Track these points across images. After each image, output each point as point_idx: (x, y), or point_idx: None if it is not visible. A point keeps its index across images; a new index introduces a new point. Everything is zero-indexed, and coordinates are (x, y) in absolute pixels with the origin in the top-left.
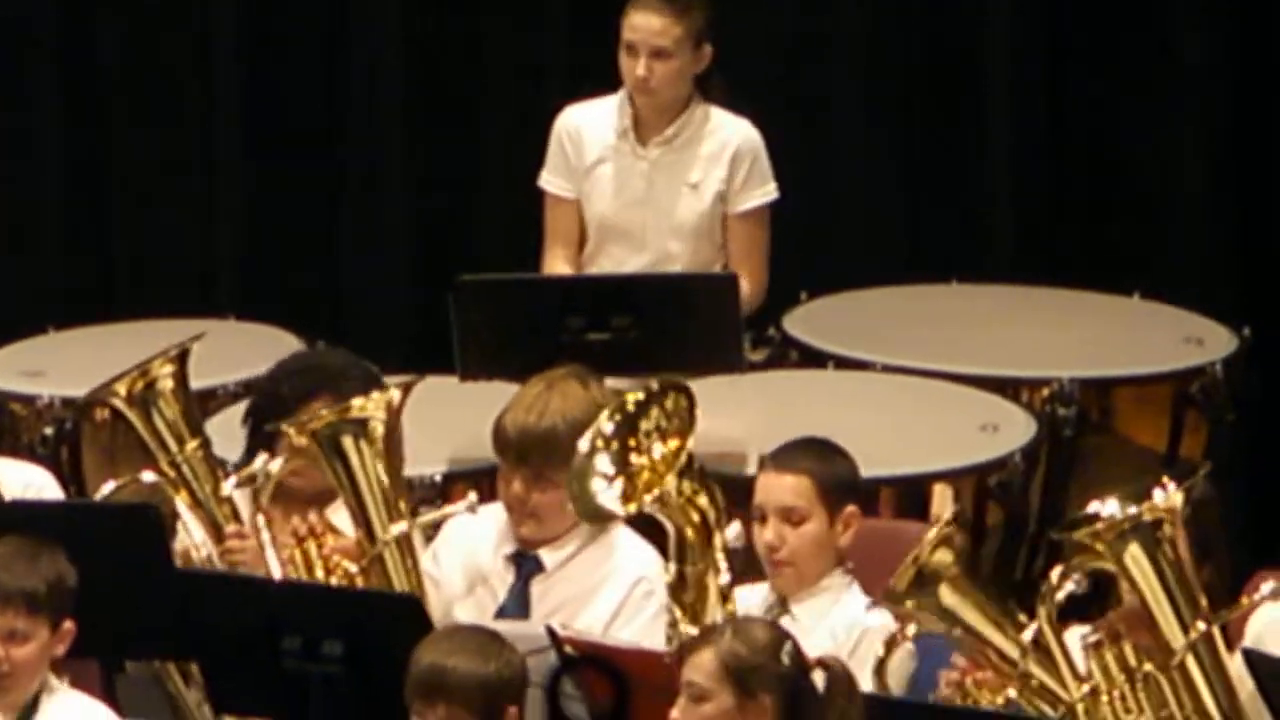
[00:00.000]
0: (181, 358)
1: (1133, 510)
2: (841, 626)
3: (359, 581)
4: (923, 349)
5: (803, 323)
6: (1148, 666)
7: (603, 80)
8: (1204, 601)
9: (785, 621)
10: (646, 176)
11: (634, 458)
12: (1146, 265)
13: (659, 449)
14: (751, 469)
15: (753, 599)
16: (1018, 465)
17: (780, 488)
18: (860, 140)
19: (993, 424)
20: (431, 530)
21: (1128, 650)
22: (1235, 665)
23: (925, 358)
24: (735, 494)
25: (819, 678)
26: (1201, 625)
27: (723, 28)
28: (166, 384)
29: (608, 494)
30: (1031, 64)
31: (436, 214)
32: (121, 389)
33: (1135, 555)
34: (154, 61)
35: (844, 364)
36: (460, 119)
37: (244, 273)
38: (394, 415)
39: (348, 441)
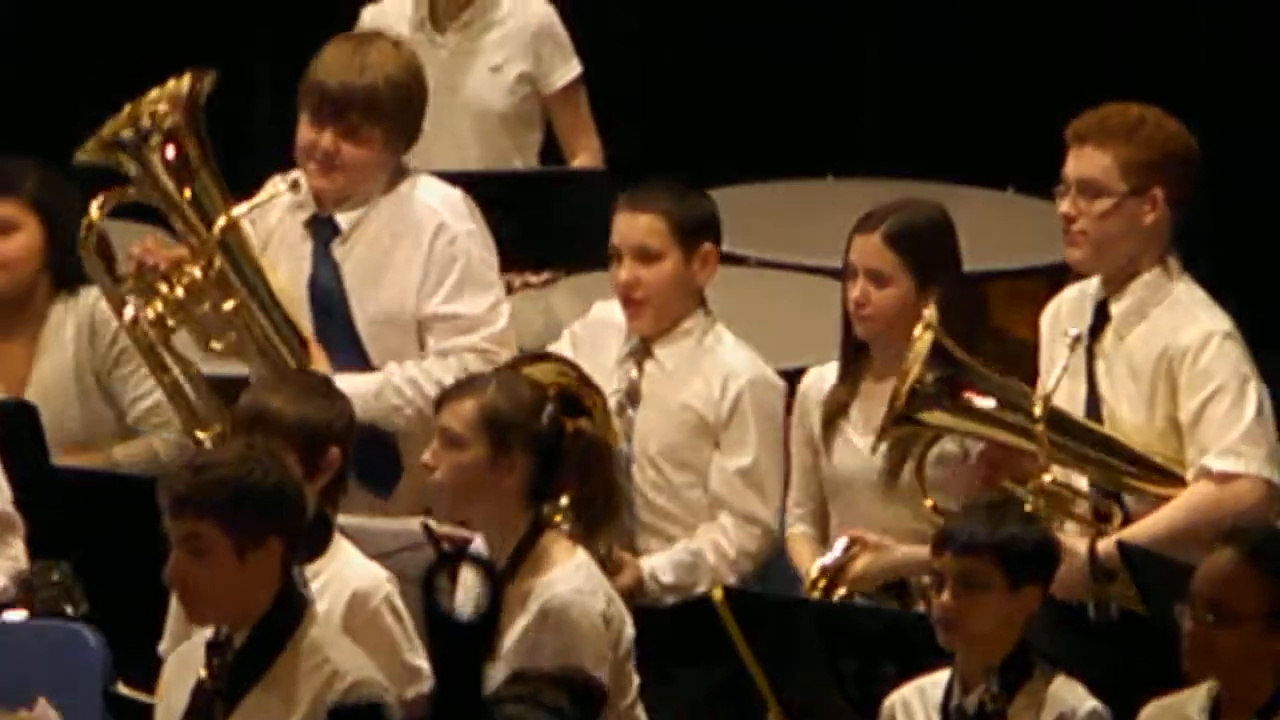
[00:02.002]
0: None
1: None
2: (715, 375)
3: (197, 275)
4: (797, 244)
5: None
6: None
7: None
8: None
9: (649, 365)
10: (445, 65)
11: None
12: (1019, 159)
13: None
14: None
15: (615, 318)
16: None
17: (634, 227)
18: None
19: None
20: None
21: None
22: None
23: (799, 253)
24: None
25: (573, 441)
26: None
27: None
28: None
29: None
30: None
31: None
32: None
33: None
34: None
35: (721, 259)
36: None
37: None
38: (189, 109)
39: (143, 152)
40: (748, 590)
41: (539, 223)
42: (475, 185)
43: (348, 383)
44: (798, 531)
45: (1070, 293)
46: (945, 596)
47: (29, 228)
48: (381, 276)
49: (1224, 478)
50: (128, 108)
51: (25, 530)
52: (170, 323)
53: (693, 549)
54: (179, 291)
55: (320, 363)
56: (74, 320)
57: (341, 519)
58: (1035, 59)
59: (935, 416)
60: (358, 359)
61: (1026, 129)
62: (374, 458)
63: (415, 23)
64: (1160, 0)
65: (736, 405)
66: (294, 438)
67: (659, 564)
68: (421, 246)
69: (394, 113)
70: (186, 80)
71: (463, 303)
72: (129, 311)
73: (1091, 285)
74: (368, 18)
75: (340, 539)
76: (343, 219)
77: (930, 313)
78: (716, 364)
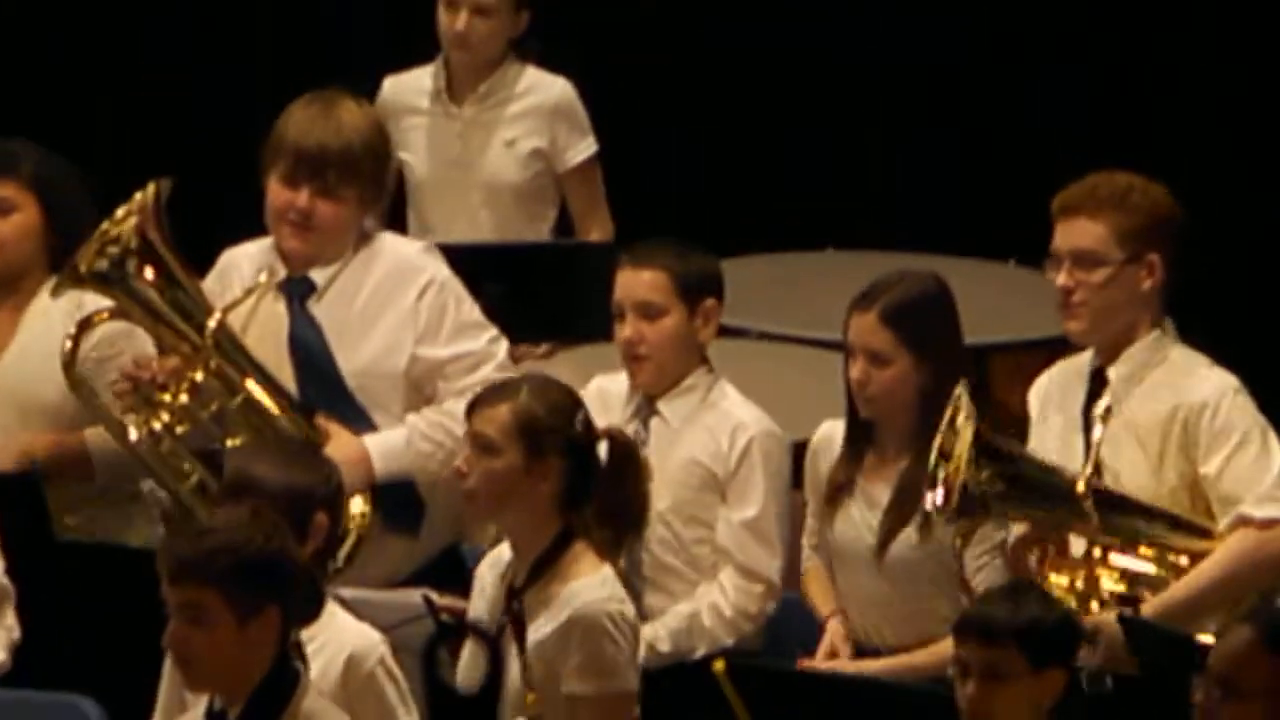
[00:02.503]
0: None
1: None
2: (722, 429)
3: (199, 379)
4: (799, 316)
5: None
6: None
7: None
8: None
9: (654, 422)
10: (461, 136)
11: None
12: (1022, 233)
13: None
14: None
15: (613, 388)
16: None
17: (637, 283)
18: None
19: None
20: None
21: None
22: None
23: (802, 325)
24: None
25: (602, 449)
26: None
27: None
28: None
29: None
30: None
31: None
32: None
33: None
34: None
35: (721, 331)
36: None
37: None
38: (156, 219)
39: (118, 271)
40: (750, 662)
41: (544, 294)
42: (480, 256)
43: (375, 442)
44: (812, 565)
45: (1057, 368)
46: (970, 688)
47: (27, 209)
48: (368, 330)
49: (1267, 524)
50: (95, 235)
51: (28, 599)
52: (178, 430)
53: (689, 613)
54: (183, 398)
55: (336, 431)
56: (63, 307)
57: (344, 592)
58: (1038, 133)
59: (987, 511)
60: (351, 413)
61: (1029, 202)
62: (394, 501)
63: (432, 94)
64: (1156, 75)
65: (744, 457)
66: (280, 504)
67: (658, 634)
68: (409, 298)
69: (369, 172)
70: (149, 192)
71: (466, 342)
72: (132, 434)
73: (1082, 359)
74: (389, 88)
75: (332, 603)
76: (317, 276)
77: (964, 399)
78: (723, 418)
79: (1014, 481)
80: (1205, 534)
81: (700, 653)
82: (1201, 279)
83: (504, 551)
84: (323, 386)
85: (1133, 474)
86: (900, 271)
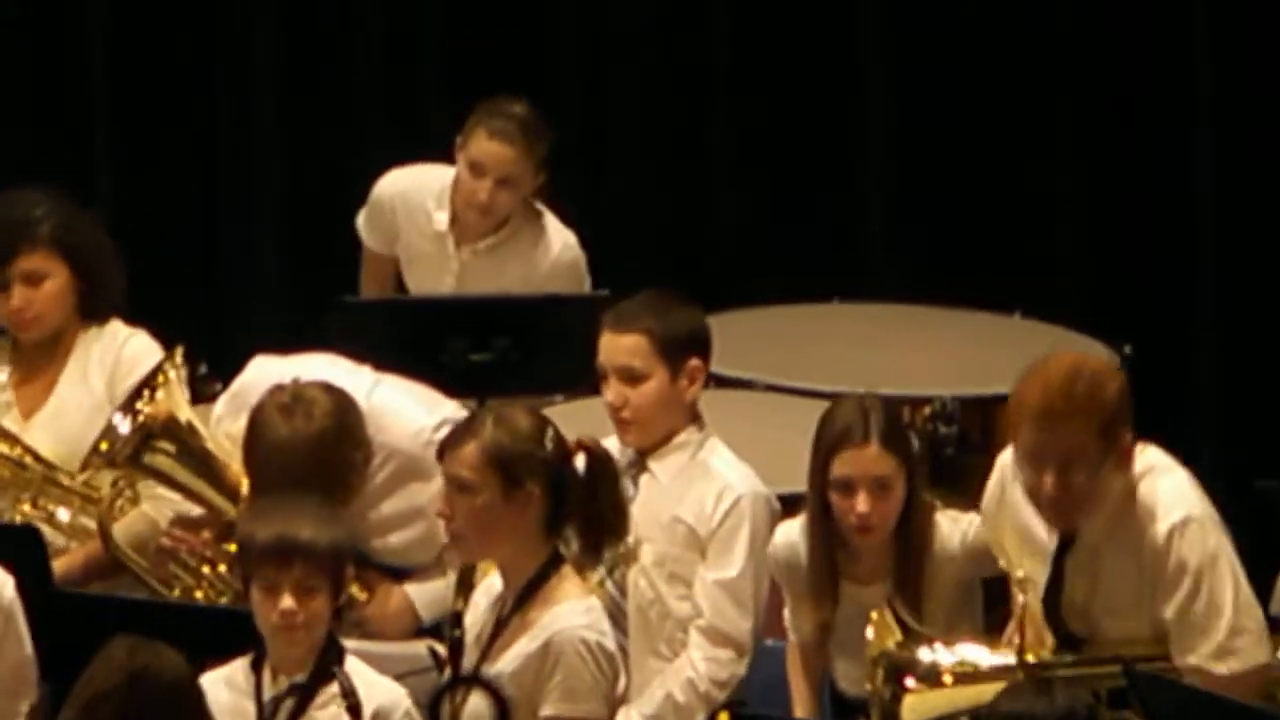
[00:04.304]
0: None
1: None
2: (709, 490)
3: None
4: (804, 368)
5: None
6: None
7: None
8: None
9: (644, 479)
10: (456, 277)
11: None
12: (1027, 284)
13: None
14: None
15: (609, 443)
16: None
17: (617, 348)
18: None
19: None
20: None
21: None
22: None
23: (807, 377)
24: None
25: (580, 461)
26: None
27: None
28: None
29: None
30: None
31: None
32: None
33: None
34: None
35: (725, 383)
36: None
37: None
38: (172, 394)
39: (147, 459)
40: (753, 712)
41: (538, 347)
42: (471, 309)
43: (418, 593)
44: (794, 640)
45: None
46: None
47: (56, 273)
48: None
49: (1228, 680)
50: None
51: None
52: (221, 602)
53: (663, 695)
54: (222, 568)
55: (384, 587)
56: (99, 351)
57: (349, 644)
58: (1045, 186)
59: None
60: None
61: (1035, 254)
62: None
63: (435, 222)
64: (1162, 134)
65: (727, 518)
66: (327, 562)
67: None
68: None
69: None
70: (169, 371)
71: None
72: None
73: None
74: (393, 189)
75: (354, 658)
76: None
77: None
78: (711, 478)
79: (940, 676)
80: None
81: None
82: None
83: (498, 580)
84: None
85: (1121, 622)
86: (853, 398)
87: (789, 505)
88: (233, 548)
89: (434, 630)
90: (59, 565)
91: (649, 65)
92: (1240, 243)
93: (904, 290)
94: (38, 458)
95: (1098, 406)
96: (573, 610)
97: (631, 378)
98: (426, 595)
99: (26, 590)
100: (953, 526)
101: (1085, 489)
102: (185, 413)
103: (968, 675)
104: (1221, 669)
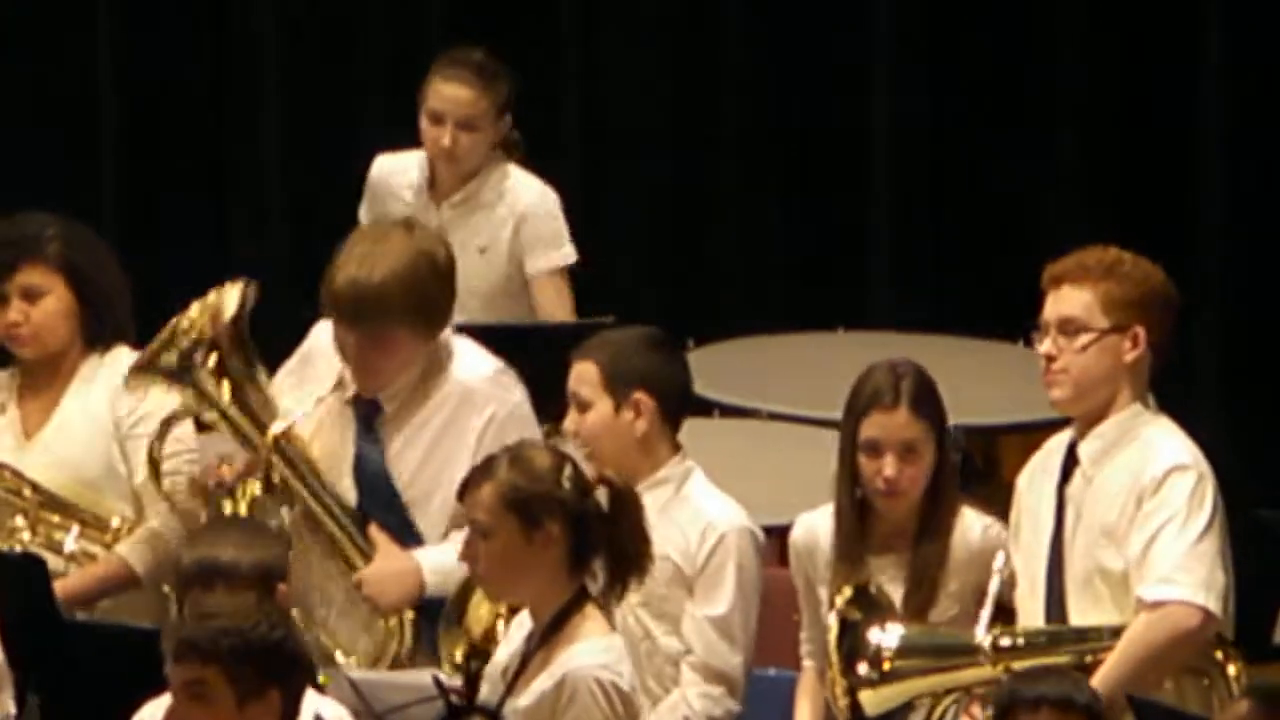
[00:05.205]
0: None
1: None
2: (693, 526)
3: (259, 494)
4: (809, 397)
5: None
6: None
7: None
8: None
9: None
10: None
11: None
12: (1033, 313)
13: None
14: None
15: None
16: None
17: (571, 374)
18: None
19: None
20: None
21: None
22: None
23: (812, 406)
24: None
25: (602, 495)
26: None
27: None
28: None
29: None
30: (913, 118)
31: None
32: None
33: None
34: None
35: (729, 412)
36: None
37: None
38: (235, 321)
39: (191, 375)
40: None
41: (539, 374)
42: (477, 337)
43: (427, 557)
44: (807, 678)
45: (1044, 448)
46: None
47: (57, 290)
48: (429, 458)
49: (1156, 605)
50: (168, 327)
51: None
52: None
53: None
54: (242, 508)
55: (385, 544)
56: (104, 377)
57: (353, 673)
58: (1050, 215)
59: (889, 693)
60: (408, 533)
61: (1039, 282)
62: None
63: (416, 189)
64: (1172, 152)
65: (713, 554)
66: (251, 583)
67: None
68: (471, 431)
69: (411, 308)
70: (231, 293)
71: None
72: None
73: (1064, 435)
74: (378, 169)
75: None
76: (385, 399)
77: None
78: (694, 514)
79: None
80: (1116, 634)
81: None
82: None
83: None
84: (380, 504)
85: (1101, 555)
86: (890, 361)
87: (787, 535)
88: (256, 488)
89: (436, 660)
90: (62, 586)
91: (653, 64)
92: (1246, 283)
93: (909, 319)
94: (37, 488)
95: (1115, 280)
96: (591, 649)
97: (579, 404)
98: (436, 561)
99: (33, 620)
100: (976, 518)
101: (1078, 360)
102: (227, 334)
103: (924, 663)
104: (1155, 594)
